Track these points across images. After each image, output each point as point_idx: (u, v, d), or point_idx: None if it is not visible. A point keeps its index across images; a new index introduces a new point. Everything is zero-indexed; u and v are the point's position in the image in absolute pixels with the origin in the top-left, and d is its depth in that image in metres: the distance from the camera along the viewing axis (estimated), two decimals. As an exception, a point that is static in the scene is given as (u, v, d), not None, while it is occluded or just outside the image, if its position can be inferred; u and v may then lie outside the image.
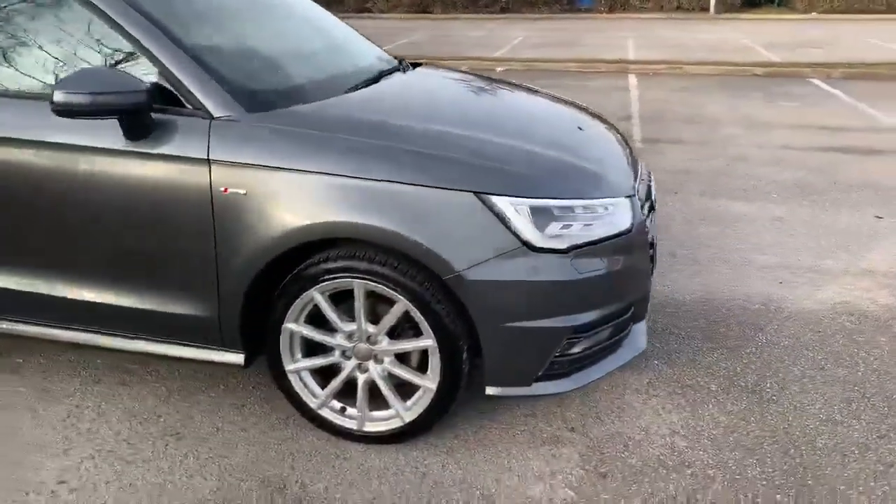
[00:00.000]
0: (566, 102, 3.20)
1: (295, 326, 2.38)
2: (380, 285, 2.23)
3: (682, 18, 21.20)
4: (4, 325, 2.65)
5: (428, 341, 2.27)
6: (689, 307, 3.45)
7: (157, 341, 2.53)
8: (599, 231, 2.27)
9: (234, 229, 2.27)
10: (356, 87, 2.72)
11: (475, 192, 2.16)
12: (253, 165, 2.23)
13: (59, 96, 2.13)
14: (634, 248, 2.39)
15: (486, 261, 2.15)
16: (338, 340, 2.39)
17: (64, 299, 2.52)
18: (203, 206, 2.27)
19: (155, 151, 2.28)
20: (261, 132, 2.25)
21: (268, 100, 2.38)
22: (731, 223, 4.62)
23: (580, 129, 2.82)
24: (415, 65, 3.41)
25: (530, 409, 2.67)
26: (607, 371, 2.44)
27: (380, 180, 2.17)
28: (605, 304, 2.32)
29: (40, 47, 2.47)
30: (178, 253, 2.36)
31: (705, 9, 21.95)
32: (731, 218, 4.72)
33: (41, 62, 2.47)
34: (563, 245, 2.20)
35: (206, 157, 2.25)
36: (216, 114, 2.28)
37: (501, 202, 2.16)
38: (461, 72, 3.58)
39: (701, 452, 2.43)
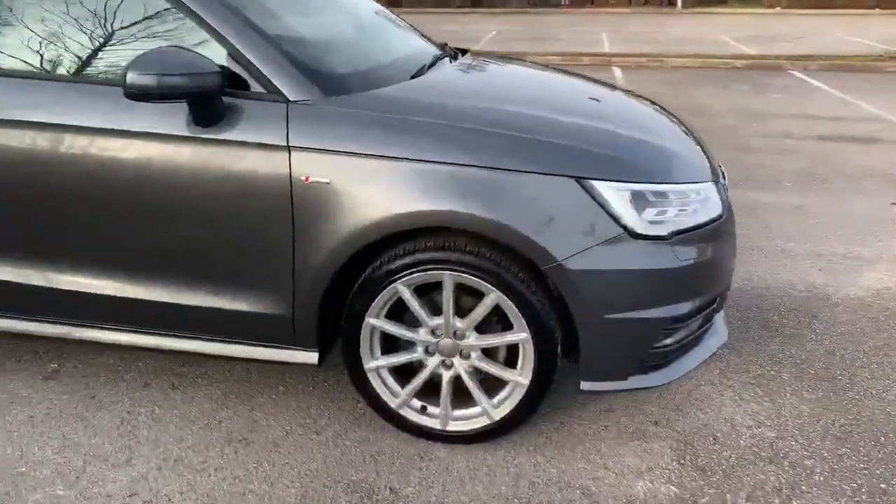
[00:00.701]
0: (615, 87, 3.12)
1: (377, 322, 2.25)
2: (472, 277, 2.12)
3: (651, 13, 21.42)
4: (49, 328, 2.46)
5: (521, 335, 2.16)
6: (736, 295, 3.41)
7: (221, 341, 2.38)
8: (695, 217, 2.19)
9: (315, 221, 2.13)
10: (420, 72, 2.59)
11: (577, 178, 2.06)
12: (338, 152, 2.09)
13: (132, 77, 1.97)
14: (725, 234, 2.32)
15: (587, 249, 2.05)
16: (421, 336, 2.27)
17: (120, 298, 2.35)
18: (281, 197, 2.13)
19: (227, 138, 2.13)
20: (346, 116, 2.12)
21: (345, 83, 2.25)
22: (752, 212, 4.61)
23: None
24: (461, 51, 3.29)
25: (608, 404, 2.59)
26: (699, 363, 2.36)
27: (478, 167, 2.05)
28: (701, 294, 2.24)
29: (101, 30, 2.29)
30: (249, 247, 2.21)
31: (672, 3, 22.21)
32: (751, 206, 4.71)
33: (98, 45, 2.28)
34: (664, 231, 2.11)
35: (285, 144, 2.10)
36: (293, 97, 2.14)
37: (603, 187, 2.06)
38: (508, 58, 3.48)
39: (792, 442, 2.37)
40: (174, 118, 2.15)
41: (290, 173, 2.11)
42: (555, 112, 2.37)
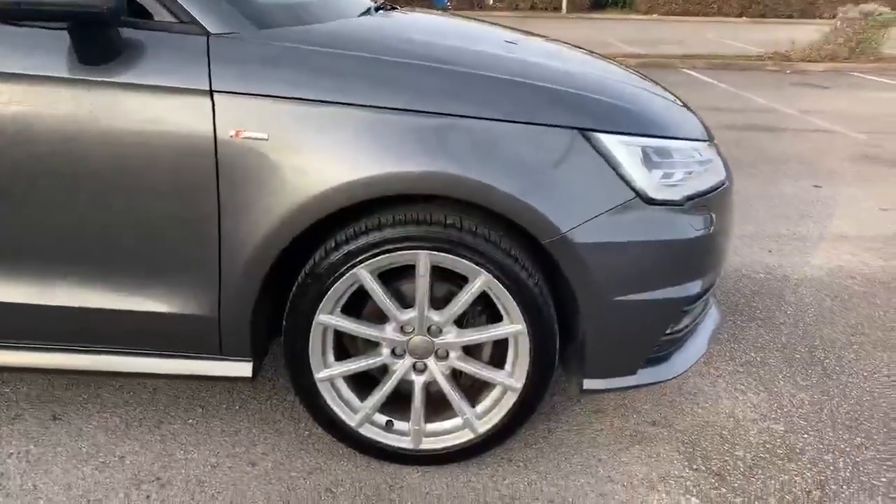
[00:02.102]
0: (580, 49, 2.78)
1: (331, 319, 1.77)
2: (455, 256, 1.69)
3: (537, 17, 21.72)
4: None
5: (515, 326, 1.76)
6: (698, 280, 3.16)
7: (124, 353, 1.82)
8: (703, 181, 1.86)
9: (247, 189, 1.64)
10: (368, 12, 2.13)
11: (581, 130, 1.68)
12: (280, 98, 1.61)
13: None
14: (729, 202, 2.01)
15: (595, 217, 1.68)
16: (388, 334, 1.81)
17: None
18: (200, 158, 1.62)
19: (125, 80, 1.59)
20: (289, 53, 1.64)
21: (282, 15, 1.77)
22: (686, 197, 4.44)
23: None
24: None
25: (595, 404, 2.23)
26: (705, 348, 2.04)
27: (460, 116, 1.63)
28: (713, 269, 1.92)
29: None
30: (158, 227, 1.69)
31: (557, 9, 22.65)
32: (683, 192, 4.54)
33: None
34: (676, 196, 1.77)
35: (206, 88, 1.60)
36: (215, 30, 1.64)
37: (612, 142, 1.70)
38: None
39: (804, 435, 2.10)
40: (49, 53, 1.60)
41: (214, 127, 1.61)
42: (536, 56, 1.99)
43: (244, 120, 1.60)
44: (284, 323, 1.79)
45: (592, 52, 2.56)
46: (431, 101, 1.63)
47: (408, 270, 1.76)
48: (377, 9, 2.40)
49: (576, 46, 2.59)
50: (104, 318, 1.76)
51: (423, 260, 1.70)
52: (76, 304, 1.75)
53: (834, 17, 19.31)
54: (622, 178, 1.69)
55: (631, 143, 1.71)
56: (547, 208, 1.64)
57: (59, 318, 1.76)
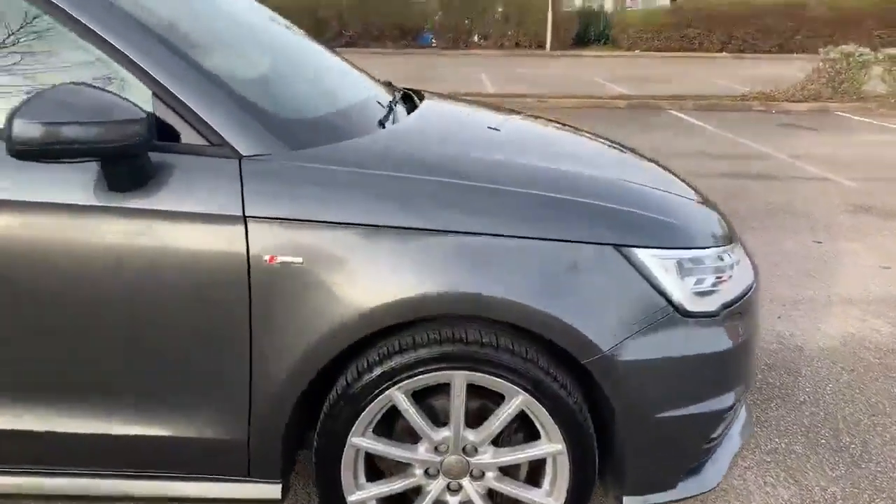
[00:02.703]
0: (584, 132, 2.77)
1: (364, 442, 1.72)
2: (492, 376, 1.66)
3: (523, 55, 21.96)
4: None
5: (555, 446, 1.71)
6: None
7: (150, 478, 1.76)
8: (735, 286, 1.84)
9: (281, 314, 1.59)
10: (386, 119, 2.10)
11: (616, 246, 1.66)
12: (315, 223, 1.57)
13: (21, 128, 1.37)
14: (756, 303, 1.99)
15: (634, 334, 1.65)
16: (421, 454, 1.76)
17: (12, 432, 1.68)
18: (233, 285, 1.58)
19: (156, 207, 1.56)
20: (323, 175, 1.61)
21: (312, 133, 1.74)
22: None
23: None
24: (407, 91, 2.82)
25: (625, 504, 2.17)
26: (735, 454, 2.01)
27: (499, 235, 1.61)
28: (747, 375, 1.90)
29: None
30: (187, 354, 1.64)
31: (541, 45, 22.91)
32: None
33: None
34: (713, 306, 1.75)
35: (240, 214, 1.56)
36: (247, 151, 1.61)
37: (646, 256, 1.68)
38: (462, 99, 3.06)
39: (841, 537, 2.06)
40: (79, 182, 1.56)
41: (248, 252, 1.57)
42: (563, 162, 1.98)
43: (278, 244, 1.57)
44: (315, 444, 1.73)
45: (614, 143, 2.55)
46: (467, 220, 1.60)
47: (441, 388, 1.72)
48: (402, 98, 2.39)
49: (599, 137, 2.58)
50: (130, 443, 1.70)
51: (460, 380, 1.66)
52: (101, 431, 1.68)
53: (808, 52, 19.76)
54: (659, 292, 1.67)
55: (665, 257, 1.69)
56: (586, 327, 1.62)
57: (85, 444, 1.70)
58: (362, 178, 1.63)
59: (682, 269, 1.71)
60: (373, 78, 2.65)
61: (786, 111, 11.17)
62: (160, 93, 1.59)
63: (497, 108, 2.78)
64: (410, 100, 2.50)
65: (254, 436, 1.69)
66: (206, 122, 1.59)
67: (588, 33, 24.49)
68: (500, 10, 23.47)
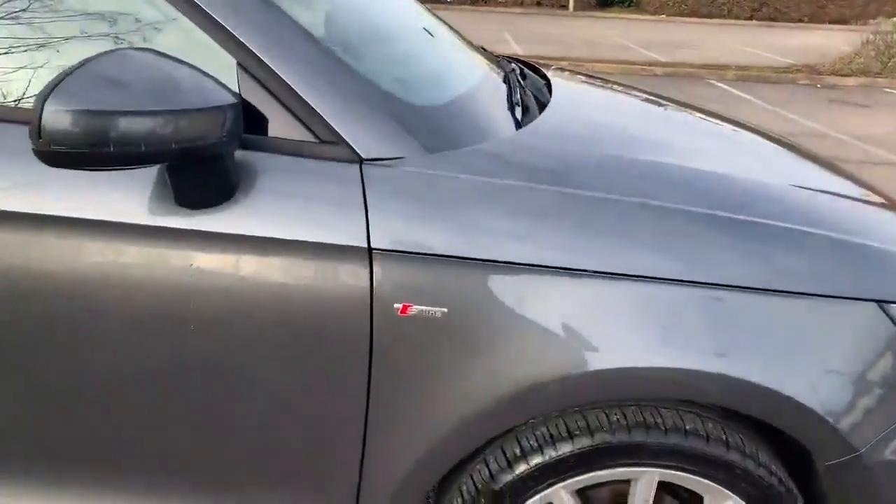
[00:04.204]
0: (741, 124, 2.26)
1: (509, 550, 1.27)
2: (694, 476, 1.20)
3: (544, 14, 21.18)
4: None
5: (769, 564, 1.26)
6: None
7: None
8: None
9: (413, 383, 1.12)
10: (523, 106, 1.59)
11: (879, 302, 1.18)
12: (468, 260, 1.09)
13: (52, 119, 0.88)
14: None
15: (893, 426, 1.18)
16: (582, 563, 1.31)
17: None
18: (349, 341, 1.10)
19: (241, 232, 1.07)
20: (477, 191, 1.12)
21: (454, 131, 1.23)
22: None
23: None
24: (515, 61, 2.30)
25: None
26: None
27: (727, 287, 1.13)
28: None
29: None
30: (277, 426, 1.17)
31: (564, 6, 22.09)
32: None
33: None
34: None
35: (363, 244, 1.08)
36: (370, 154, 1.11)
37: (910, 316, 1.20)
38: (586, 75, 2.52)
39: None
40: (132, 193, 1.07)
41: (371, 298, 1.09)
42: (767, 174, 1.48)
43: (415, 289, 1.09)
44: (440, 549, 1.28)
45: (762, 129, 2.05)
46: (692, 264, 1.13)
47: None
48: (520, 72, 1.89)
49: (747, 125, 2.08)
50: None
51: (649, 479, 1.20)
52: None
53: (840, 23, 18.95)
54: (927, 366, 1.20)
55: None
56: (840, 419, 1.15)
57: None
58: (536, 197, 1.14)
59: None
60: (472, 44, 2.13)
61: (832, 86, 10.57)
62: (250, 66, 1.09)
63: (631, 90, 2.26)
64: (538, 75, 1.99)
65: (360, 537, 1.24)
66: (315, 110, 1.10)
67: (613, -6, 23.63)
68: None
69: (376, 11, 1.77)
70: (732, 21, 21.12)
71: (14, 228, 1.06)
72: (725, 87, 10.05)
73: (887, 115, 8.49)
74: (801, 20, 21.30)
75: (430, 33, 1.82)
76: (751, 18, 21.48)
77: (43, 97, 0.88)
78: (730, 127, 1.98)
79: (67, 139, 0.89)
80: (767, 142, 1.91)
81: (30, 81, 1.12)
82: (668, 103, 2.12)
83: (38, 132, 0.88)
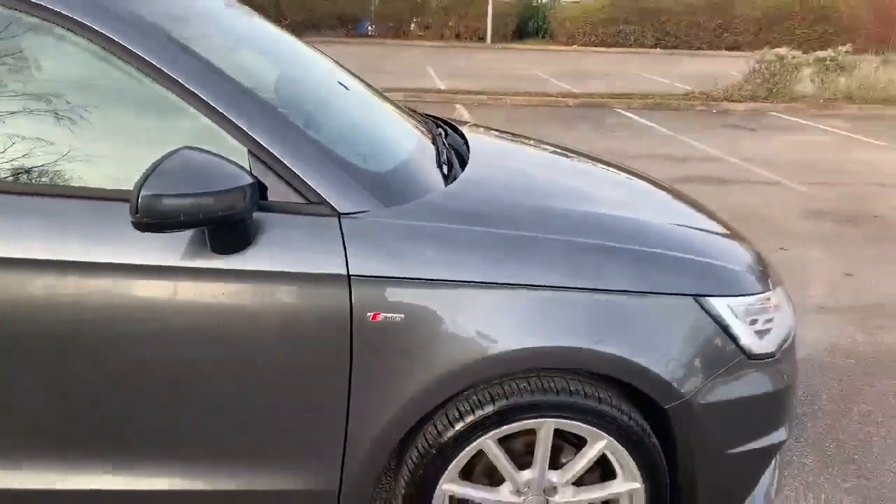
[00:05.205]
0: (610, 163, 2.86)
1: (453, 487, 1.78)
2: (577, 422, 1.74)
3: (463, 47, 22.04)
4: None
5: (633, 485, 1.81)
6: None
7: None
8: (782, 327, 1.96)
9: (380, 368, 1.62)
10: (449, 164, 2.13)
11: (695, 297, 1.76)
12: (415, 281, 1.61)
13: (149, 199, 1.35)
14: (795, 342, 2.13)
15: (711, 379, 1.76)
16: (505, 497, 1.83)
17: (109, 492, 1.67)
18: (335, 341, 1.60)
19: (260, 268, 1.56)
20: (420, 232, 1.64)
21: (401, 189, 1.75)
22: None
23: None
24: (434, 120, 2.83)
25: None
26: (777, 479, 2.15)
27: (593, 290, 1.68)
28: (793, 408, 2.04)
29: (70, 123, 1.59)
30: (286, 408, 1.65)
31: (482, 38, 23.04)
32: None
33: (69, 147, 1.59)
34: (772, 348, 1.87)
35: (344, 273, 1.58)
36: (345, 209, 1.62)
37: (721, 305, 1.78)
38: (498, 130, 3.07)
39: (865, 548, 2.24)
40: (177, 245, 1.54)
41: (351, 309, 1.59)
42: (629, 209, 2.06)
43: (380, 302, 1.59)
44: (403, 491, 1.77)
45: (639, 173, 2.65)
46: (562, 274, 1.67)
47: (522, 433, 1.78)
48: (437, 139, 2.41)
49: (626, 168, 2.68)
50: (228, 496, 1.70)
51: (548, 427, 1.73)
52: (206, 488, 1.69)
53: (735, 50, 20.57)
54: (731, 338, 1.78)
55: (734, 304, 1.80)
56: (671, 375, 1.71)
57: (193, 498, 1.70)
58: (461, 236, 1.66)
59: (748, 315, 1.82)
60: (404, 109, 2.67)
61: (725, 111, 11.65)
62: (258, 152, 1.58)
63: (536, 143, 2.84)
64: (456, 133, 2.54)
65: (345, 485, 1.72)
66: (304, 180, 1.60)
67: (527, 27, 24.77)
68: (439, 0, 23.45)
69: (323, 88, 2.29)
70: (638, 49, 22.51)
71: (101, 275, 1.52)
72: (630, 115, 10.93)
73: (771, 137, 9.50)
74: (700, 48, 22.88)
75: (344, 86, 2.32)
76: (654, 47, 22.94)
77: (137, 187, 1.35)
78: (622, 174, 2.58)
79: (153, 215, 1.36)
80: (648, 185, 2.52)
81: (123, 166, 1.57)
82: (567, 154, 2.71)
83: (135, 210, 1.35)
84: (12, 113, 1.57)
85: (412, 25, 23.68)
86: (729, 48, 22.10)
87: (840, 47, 12.75)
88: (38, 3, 1.52)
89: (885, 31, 20.78)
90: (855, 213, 5.99)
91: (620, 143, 8.61)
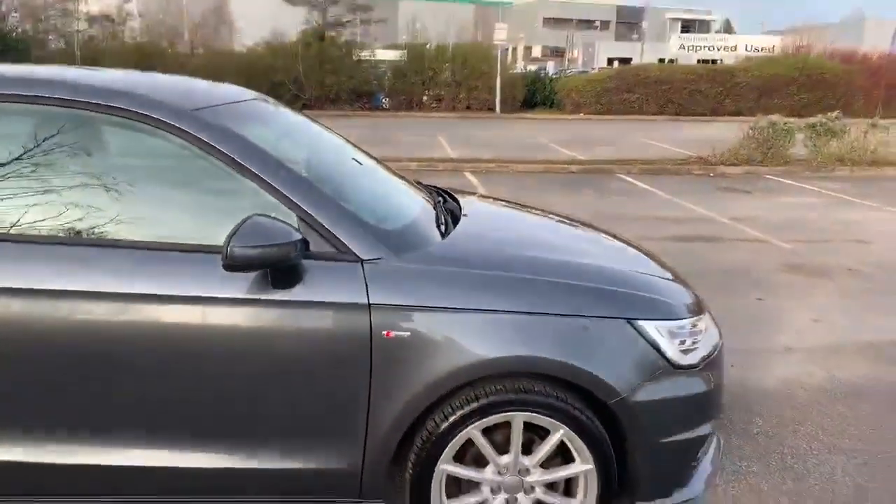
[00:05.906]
0: (585, 224, 3.49)
1: (449, 467, 2.33)
2: (542, 416, 2.30)
3: (475, 118, 23.11)
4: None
5: (586, 466, 2.35)
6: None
7: (277, 501, 2.32)
8: (707, 345, 2.53)
9: (393, 373, 2.21)
10: (445, 223, 2.77)
11: (627, 319, 2.34)
12: (417, 308, 2.21)
13: (238, 250, 2.00)
14: (722, 357, 2.69)
15: (643, 383, 2.32)
16: (487, 475, 2.37)
17: (180, 470, 2.25)
18: (360, 352, 2.19)
19: (308, 299, 2.17)
20: (425, 275, 2.25)
21: (405, 241, 2.37)
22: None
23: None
24: (436, 190, 3.49)
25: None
26: (717, 468, 2.67)
27: (548, 314, 2.27)
28: (718, 407, 2.58)
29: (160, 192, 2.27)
30: (324, 403, 2.24)
31: (491, 109, 24.15)
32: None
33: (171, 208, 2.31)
34: (695, 360, 2.43)
35: (365, 302, 2.18)
36: (365, 256, 2.24)
37: (649, 327, 2.35)
38: (491, 198, 3.73)
39: (792, 532, 2.73)
40: (249, 281, 2.16)
41: (371, 329, 2.18)
42: (584, 256, 2.67)
43: (392, 323, 2.19)
44: (410, 471, 2.33)
45: (605, 232, 3.28)
46: (527, 303, 2.26)
47: (501, 425, 2.34)
48: (438, 204, 3.05)
49: (593, 227, 3.31)
50: (273, 474, 2.27)
51: (519, 419, 2.30)
52: (252, 466, 2.26)
53: (737, 115, 21.45)
54: (659, 352, 2.35)
55: (660, 327, 2.37)
56: (612, 378, 2.27)
57: (240, 478, 2.26)
58: (451, 275, 2.27)
59: (673, 335, 2.39)
60: (409, 180, 3.33)
61: (722, 174, 12.30)
62: (304, 216, 2.22)
63: (520, 207, 3.50)
64: (453, 199, 3.19)
65: (367, 464, 2.28)
66: (336, 236, 2.23)
67: (534, 97, 25.89)
68: (448, 74, 24.63)
69: (347, 165, 2.97)
70: (642, 117, 23.46)
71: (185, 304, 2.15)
72: (632, 179, 11.62)
73: (764, 199, 10.10)
74: (702, 114, 23.80)
75: (359, 163, 2.99)
76: (658, 114, 23.89)
77: (228, 239, 1.99)
78: (588, 231, 3.22)
79: (236, 260, 2.00)
80: (610, 239, 3.14)
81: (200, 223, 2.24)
82: (545, 215, 3.35)
83: (225, 257, 1.99)
84: (135, 192, 2.25)
85: (424, 97, 24.89)
86: (730, 114, 22.98)
87: (830, 113, 13.48)
88: (157, 117, 2.22)
89: (877, 96, 21.61)
90: (831, 266, 6.53)
91: (621, 207, 9.25)
